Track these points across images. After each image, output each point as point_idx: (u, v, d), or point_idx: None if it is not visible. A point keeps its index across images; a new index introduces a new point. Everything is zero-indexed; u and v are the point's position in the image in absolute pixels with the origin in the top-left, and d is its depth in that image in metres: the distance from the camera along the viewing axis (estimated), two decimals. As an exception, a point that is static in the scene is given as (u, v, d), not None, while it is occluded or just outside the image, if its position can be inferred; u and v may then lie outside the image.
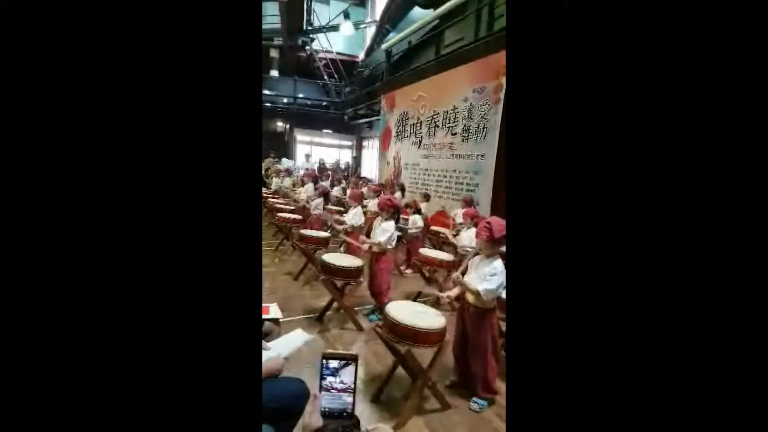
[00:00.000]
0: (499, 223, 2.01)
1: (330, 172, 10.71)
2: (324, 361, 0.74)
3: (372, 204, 4.93)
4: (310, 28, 12.06)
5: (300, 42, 12.25)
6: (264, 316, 1.70)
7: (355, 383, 0.74)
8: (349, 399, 0.74)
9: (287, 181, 7.87)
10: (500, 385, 2.22)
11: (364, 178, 9.76)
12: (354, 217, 3.95)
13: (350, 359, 0.74)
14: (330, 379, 0.74)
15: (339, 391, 0.74)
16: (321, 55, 12.71)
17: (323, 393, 0.74)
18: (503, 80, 5.11)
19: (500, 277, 1.98)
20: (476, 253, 2.18)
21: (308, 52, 12.56)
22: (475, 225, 2.63)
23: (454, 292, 2.14)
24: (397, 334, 1.93)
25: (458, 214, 4.74)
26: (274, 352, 1.37)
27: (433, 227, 5.22)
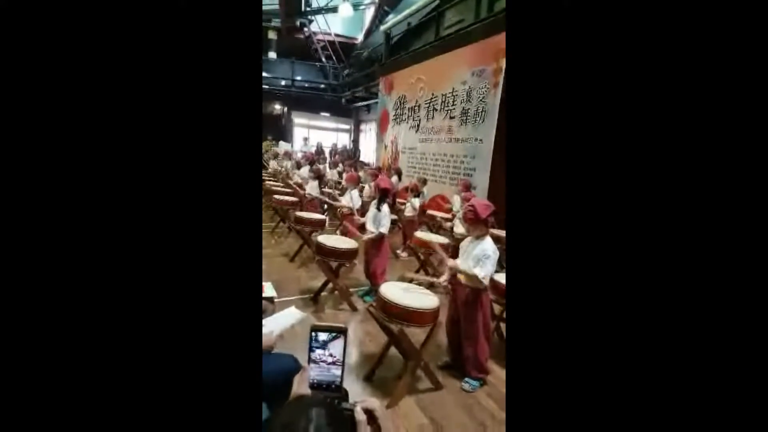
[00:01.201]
0: (482, 204, 2.08)
1: (327, 156, 10.63)
2: (313, 334, 0.73)
3: (369, 188, 4.92)
4: (308, 9, 11.79)
5: (298, 23, 11.99)
6: (257, 295, 1.71)
7: (344, 356, 0.74)
8: (338, 372, 0.74)
9: (288, 165, 7.82)
10: (492, 366, 2.25)
11: (361, 162, 9.68)
12: (351, 200, 3.93)
13: (339, 332, 0.74)
14: (319, 351, 0.74)
15: (328, 363, 0.74)
16: (319, 36, 12.45)
17: (311, 365, 0.73)
18: (502, 63, 5.03)
19: (491, 258, 2.00)
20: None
21: (306, 34, 12.30)
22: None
23: (446, 276, 2.15)
24: (390, 314, 1.94)
25: (455, 198, 4.73)
26: (267, 329, 1.37)
27: (429, 211, 5.22)
